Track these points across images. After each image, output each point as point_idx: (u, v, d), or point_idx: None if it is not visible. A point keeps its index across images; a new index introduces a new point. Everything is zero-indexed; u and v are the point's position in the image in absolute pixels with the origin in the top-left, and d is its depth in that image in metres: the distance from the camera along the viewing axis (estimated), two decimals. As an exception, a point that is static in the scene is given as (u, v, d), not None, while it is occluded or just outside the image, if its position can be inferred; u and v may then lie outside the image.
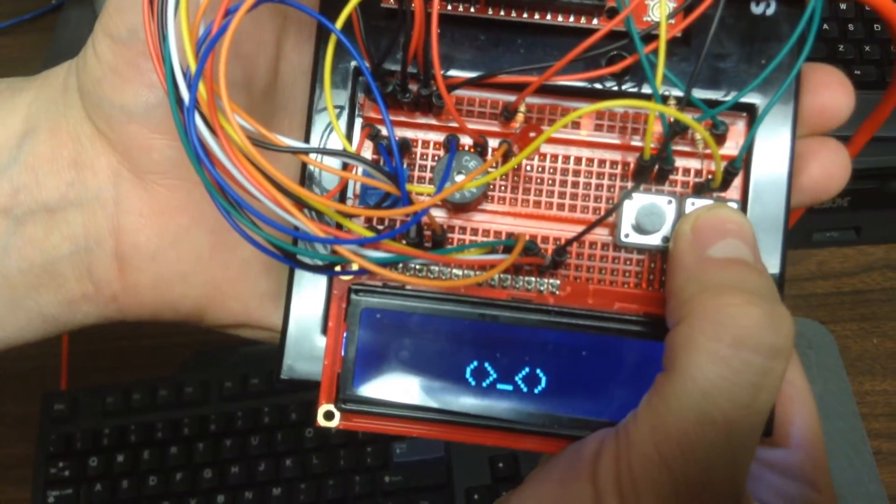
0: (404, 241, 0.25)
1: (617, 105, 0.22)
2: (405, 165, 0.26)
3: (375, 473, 0.51)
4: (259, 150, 0.20)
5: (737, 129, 0.26)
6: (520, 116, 0.25)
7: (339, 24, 0.22)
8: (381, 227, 0.26)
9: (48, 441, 0.52)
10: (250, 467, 0.51)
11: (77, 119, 0.27)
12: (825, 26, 0.58)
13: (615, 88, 0.26)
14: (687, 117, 0.22)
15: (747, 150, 0.25)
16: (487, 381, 0.24)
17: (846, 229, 0.61)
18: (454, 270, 0.26)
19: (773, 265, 0.25)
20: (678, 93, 0.25)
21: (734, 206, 0.25)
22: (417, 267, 0.26)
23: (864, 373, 0.57)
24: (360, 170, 0.24)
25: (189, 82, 0.21)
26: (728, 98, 0.25)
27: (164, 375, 0.55)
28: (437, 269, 0.26)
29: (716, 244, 0.23)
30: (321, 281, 0.26)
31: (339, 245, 0.21)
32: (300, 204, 0.21)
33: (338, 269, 0.24)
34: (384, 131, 0.26)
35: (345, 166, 0.25)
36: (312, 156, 0.23)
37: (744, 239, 0.23)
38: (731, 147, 0.26)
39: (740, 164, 0.25)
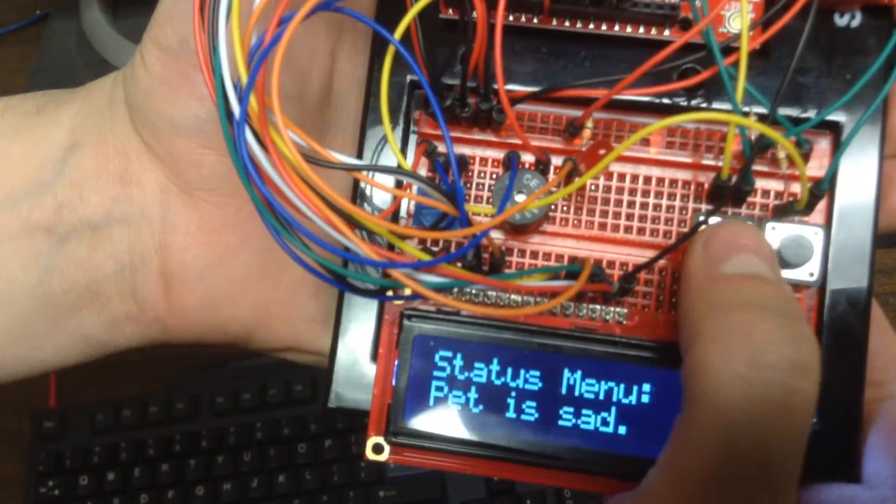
0: (460, 265, 0.23)
1: (696, 118, 0.21)
2: (462, 183, 0.25)
3: (370, 488, 0.50)
4: (311, 167, 0.19)
5: (820, 149, 0.24)
6: (586, 132, 0.24)
7: (398, 34, 0.21)
8: (436, 249, 0.24)
9: (38, 459, 0.52)
10: (243, 484, 0.50)
11: (123, 132, 0.26)
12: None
13: (685, 104, 0.24)
14: (774, 132, 0.20)
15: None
16: (551, 417, 0.23)
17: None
18: (513, 297, 0.24)
19: (859, 293, 0.23)
20: (758, 109, 0.23)
21: (818, 231, 0.23)
22: (474, 292, 0.24)
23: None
24: (415, 188, 0.23)
25: (240, 95, 0.20)
26: (810, 115, 0.23)
27: (154, 391, 0.54)
28: (494, 294, 0.24)
29: (729, 260, 0.21)
30: (372, 304, 0.24)
31: (393, 269, 0.20)
32: (352, 224, 0.20)
33: (390, 293, 0.23)
34: (441, 147, 0.24)
35: (399, 184, 0.24)
36: (366, 173, 0.22)
37: (760, 254, 0.21)
38: (815, 167, 0.24)
39: (827, 186, 0.23)
